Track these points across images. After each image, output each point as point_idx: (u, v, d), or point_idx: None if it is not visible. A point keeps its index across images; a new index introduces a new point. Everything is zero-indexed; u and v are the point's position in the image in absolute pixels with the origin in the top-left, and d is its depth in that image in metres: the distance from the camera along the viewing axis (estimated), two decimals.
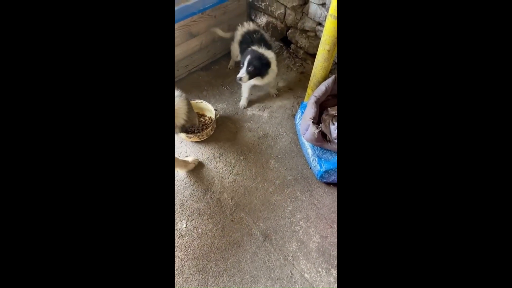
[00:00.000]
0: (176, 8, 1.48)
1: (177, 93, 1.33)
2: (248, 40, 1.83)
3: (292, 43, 2.35)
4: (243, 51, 1.78)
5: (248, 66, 1.62)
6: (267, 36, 1.93)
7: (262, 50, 1.72)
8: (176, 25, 1.78)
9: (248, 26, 1.92)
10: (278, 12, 2.25)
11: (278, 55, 2.40)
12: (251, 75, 1.65)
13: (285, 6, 2.16)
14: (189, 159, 1.70)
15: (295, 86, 2.20)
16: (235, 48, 1.99)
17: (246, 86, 1.91)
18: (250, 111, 2.03)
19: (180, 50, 1.96)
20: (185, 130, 1.45)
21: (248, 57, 1.62)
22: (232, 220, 1.51)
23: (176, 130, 1.39)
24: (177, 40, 1.89)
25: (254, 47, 1.72)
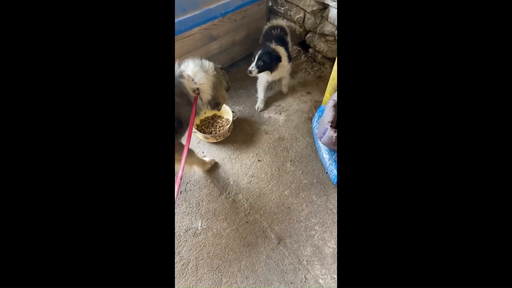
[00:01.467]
0: (198, 12, 1.52)
1: (203, 67, 1.35)
2: (269, 35, 1.89)
3: (311, 47, 2.34)
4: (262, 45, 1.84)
5: (258, 60, 1.69)
6: (287, 33, 1.97)
7: (274, 46, 1.76)
8: (197, 28, 1.83)
9: (275, 21, 2.00)
10: (298, 16, 2.26)
11: (295, 58, 2.40)
12: (260, 69, 1.73)
13: (305, 11, 2.17)
14: (207, 159, 1.73)
15: (313, 90, 2.19)
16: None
17: (261, 85, 1.97)
18: (266, 114, 2.04)
19: (200, 52, 2.01)
20: (215, 106, 1.48)
21: (259, 51, 1.70)
22: (246, 222, 1.51)
23: (204, 106, 1.41)
24: (197, 42, 1.94)
25: (268, 43, 1.78)
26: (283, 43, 1.85)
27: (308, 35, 2.30)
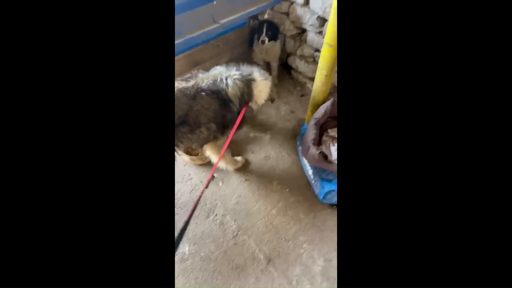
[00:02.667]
0: (180, 40, 1.59)
1: (261, 75, 1.48)
2: (258, 29, 2.16)
3: (293, 68, 2.45)
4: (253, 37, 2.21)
5: (267, 31, 2.08)
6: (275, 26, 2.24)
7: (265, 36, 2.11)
8: (181, 55, 1.90)
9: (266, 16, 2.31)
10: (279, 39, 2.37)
11: (279, 78, 2.50)
12: (270, 38, 2.10)
13: (285, 35, 2.29)
14: (238, 158, 1.84)
15: (296, 109, 2.26)
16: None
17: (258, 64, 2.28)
18: (252, 133, 2.08)
19: None
20: (271, 101, 1.70)
21: (265, 24, 2.09)
22: (235, 243, 1.50)
23: (256, 107, 1.58)
24: (182, 68, 2.00)
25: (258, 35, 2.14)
26: (274, 37, 2.17)
27: (290, 57, 2.41)
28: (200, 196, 1.10)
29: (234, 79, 1.36)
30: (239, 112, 1.40)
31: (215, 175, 1.80)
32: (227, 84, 1.34)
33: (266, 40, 2.08)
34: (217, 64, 2.25)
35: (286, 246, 1.49)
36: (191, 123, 1.26)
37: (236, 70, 1.42)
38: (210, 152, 1.64)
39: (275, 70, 2.36)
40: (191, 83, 1.29)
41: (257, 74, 1.47)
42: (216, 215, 1.63)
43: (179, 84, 1.26)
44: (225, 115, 1.38)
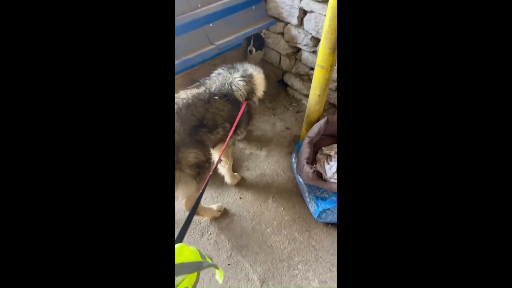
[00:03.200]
0: (177, 61, 1.63)
1: (255, 70, 1.60)
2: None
3: (288, 85, 2.49)
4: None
5: (254, 42, 2.27)
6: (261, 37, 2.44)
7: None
8: (180, 74, 1.94)
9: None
10: (274, 58, 2.43)
11: (274, 95, 2.54)
12: (257, 48, 2.30)
13: (280, 54, 2.35)
14: (235, 174, 1.86)
15: (292, 125, 2.29)
16: None
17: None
18: (248, 150, 2.09)
19: None
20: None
21: (252, 36, 2.24)
22: (228, 264, 1.48)
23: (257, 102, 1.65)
24: (180, 86, 2.04)
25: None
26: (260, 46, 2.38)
27: (285, 75, 2.46)
28: (210, 175, 1.22)
29: (238, 81, 1.49)
30: (248, 111, 1.55)
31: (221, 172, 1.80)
32: (232, 89, 1.46)
33: (254, 50, 2.31)
34: None
35: (280, 266, 1.48)
36: (209, 125, 1.36)
37: (236, 71, 1.55)
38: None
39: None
40: (202, 88, 1.42)
41: (252, 69, 1.60)
42: (210, 234, 1.62)
43: (192, 91, 1.39)
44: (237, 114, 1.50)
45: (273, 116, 2.38)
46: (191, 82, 2.11)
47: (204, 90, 1.40)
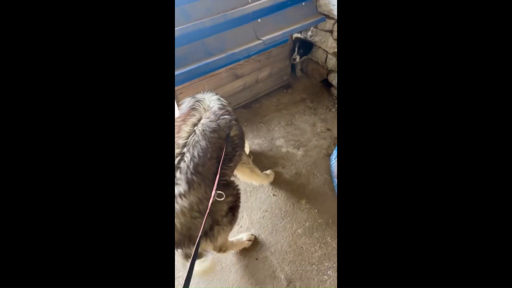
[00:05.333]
0: (223, 55, 1.67)
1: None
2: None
3: (332, 85, 2.40)
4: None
5: (298, 49, 2.31)
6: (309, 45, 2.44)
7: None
8: (224, 68, 2.00)
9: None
10: (320, 57, 2.36)
11: (317, 95, 2.47)
12: (301, 55, 2.36)
13: (327, 52, 2.27)
14: (268, 172, 1.83)
15: (333, 127, 2.19)
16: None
17: (298, 65, 2.62)
18: (284, 148, 2.07)
19: (226, 89, 2.16)
20: None
21: (298, 43, 2.32)
22: (256, 259, 1.48)
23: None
24: (223, 80, 2.10)
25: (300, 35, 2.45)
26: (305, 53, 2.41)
27: (330, 74, 2.38)
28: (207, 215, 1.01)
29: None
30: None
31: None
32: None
33: (297, 58, 2.32)
34: (256, 78, 2.32)
35: (309, 269, 1.42)
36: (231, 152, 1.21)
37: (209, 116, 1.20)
38: (242, 174, 1.60)
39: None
40: (202, 114, 1.19)
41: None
42: (241, 226, 1.63)
43: (205, 121, 1.15)
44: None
45: (313, 116, 2.31)
46: (234, 77, 2.15)
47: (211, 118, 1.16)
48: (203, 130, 1.10)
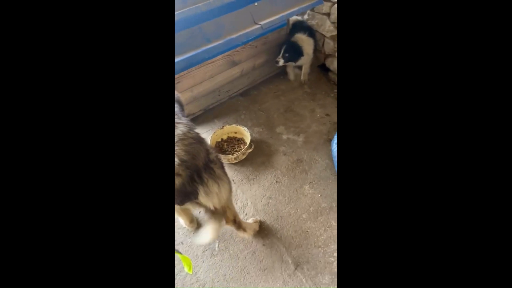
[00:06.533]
0: (222, 41, 1.63)
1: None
2: (297, 27, 2.25)
3: (330, 70, 2.38)
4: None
5: (284, 53, 2.14)
6: (308, 24, 2.33)
7: (303, 36, 2.17)
8: (221, 55, 1.95)
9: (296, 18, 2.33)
10: (317, 41, 2.32)
11: (315, 81, 2.45)
12: (286, 60, 2.18)
13: (324, 36, 2.24)
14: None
15: (332, 112, 2.20)
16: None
17: (289, 68, 2.42)
18: (285, 135, 2.06)
19: (223, 76, 2.12)
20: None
21: (284, 46, 2.14)
22: (263, 244, 1.50)
23: None
24: (220, 67, 2.05)
25: (293, 38, 2.19)
26: (311, 35, 2.21)
27: (328, 59, 2.35)
28: None
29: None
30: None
31: None
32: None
33: (281, 61, 2.16)
34: (253, 65, 2.28)
35: (315, 252, 1.46)
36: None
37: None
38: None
39: (306, 68, 2.41)
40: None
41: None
42: (246, 214, 1.64)
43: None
44: None
45: (312, 101, 2.30)
46: (231, 64, 2.11)
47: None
48: None
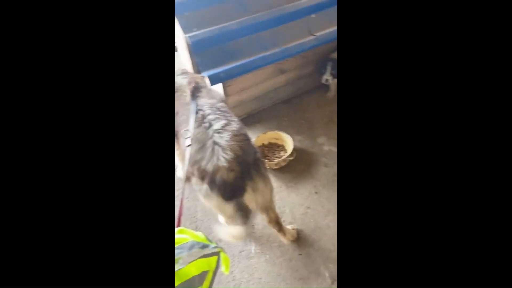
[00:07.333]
0: (276, 50, 1.67)
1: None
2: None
3: None
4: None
5: (332, 70, 2.13)
6: None
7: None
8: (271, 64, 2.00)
9: None
10: None
11: None
12: (334, 77, 2.17)
13: None
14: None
15: None
16: None
17: (334, 86, 2.35)
18: (326, 146, 2.05)
19: (270, 83, 2.17)
20: None
21: (331, 62, 2.14)
22: (300, 254, 1.50)
23: None
24: (269, 74, 2.11)
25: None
26: None
27: None
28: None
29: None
30: None
31: None
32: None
33: (330, 79, 2.14)
34: (300, 74, 2.30)
35: None
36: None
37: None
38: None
39: None
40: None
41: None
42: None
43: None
44: None
45: None
46: (279, 71, 2.15)
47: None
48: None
